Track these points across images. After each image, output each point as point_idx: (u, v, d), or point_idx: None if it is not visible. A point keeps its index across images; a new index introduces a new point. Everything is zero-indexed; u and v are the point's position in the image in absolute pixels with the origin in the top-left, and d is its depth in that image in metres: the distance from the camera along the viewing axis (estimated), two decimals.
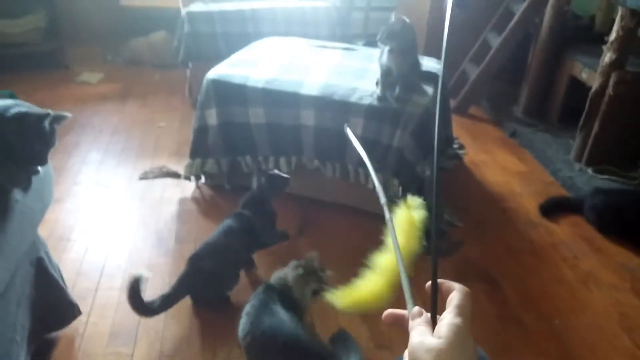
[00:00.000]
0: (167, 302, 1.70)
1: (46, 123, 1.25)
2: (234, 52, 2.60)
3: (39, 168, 1.35)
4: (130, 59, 4.21)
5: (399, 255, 0.69)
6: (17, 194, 1.27)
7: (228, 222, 1.88)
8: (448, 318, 0.61)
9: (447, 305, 0.63)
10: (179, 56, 3.33)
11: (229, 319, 1.79)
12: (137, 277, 1.58)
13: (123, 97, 3.62)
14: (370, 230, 2.21)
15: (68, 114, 1.33)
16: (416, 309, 0.64)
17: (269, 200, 2.00)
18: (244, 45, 2.73)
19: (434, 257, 0.67)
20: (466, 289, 0.64)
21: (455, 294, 0.63)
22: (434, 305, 0.64)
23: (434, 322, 0.62)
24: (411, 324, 0.63)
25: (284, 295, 1.58)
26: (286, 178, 2.04)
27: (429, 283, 0.65)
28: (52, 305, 1.56)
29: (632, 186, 2.59)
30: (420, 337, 0.60)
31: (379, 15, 4.52)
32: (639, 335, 1.81)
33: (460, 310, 0.62)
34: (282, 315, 1.49)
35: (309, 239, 2.23)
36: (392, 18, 2.17)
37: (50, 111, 1.26)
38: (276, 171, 2.06)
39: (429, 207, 0.78)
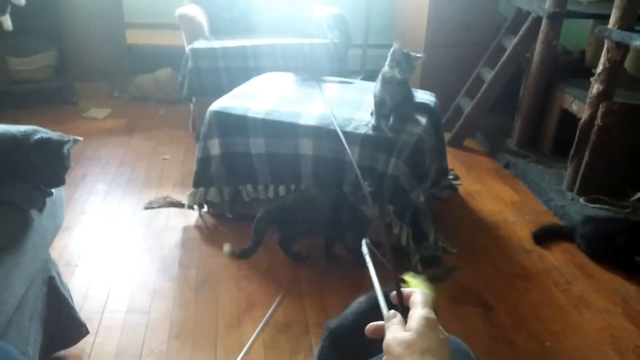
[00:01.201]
0: (257, 227, 2.15)
1: (66, 148, 1.34)
2: (235, 87, 2.71)
3: (53, 190, 1.44)
4: (137, 95, 4.33)
5: (374, 275, 0.78)
6: (32, 213, 1.36)
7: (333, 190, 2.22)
8: (416, 312, 0.70)
9: (411, 306, 0.72)
10: (183, 91, 3.44)
11: (230, 338, 1.86)
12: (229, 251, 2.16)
13: (129, 131, 3.73)
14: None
15: (80, 138, 1.43)
16: (390, 312, 0.72)
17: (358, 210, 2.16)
18: (245, 80, 2.84)
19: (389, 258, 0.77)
20: (423, 290, 0.74)
21: (416, 295, 0.73)
22: (401, 303, 0.73)
23: (405, 319, 0.71)
24: (386, 325, 0.71)
25: None
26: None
27: (392, 293, 0.74)
28: (62, 322, 1.62)
29: (622, 215, 2.66)
30: (394, 334, 0.68)
31: (376, 53, 4.66)
32: (630, 357, 1.86)
33: (424, 304, 0.71)
34: None
35: (313, 263, 2.31)
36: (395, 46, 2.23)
37: (70, 138, 1.36)
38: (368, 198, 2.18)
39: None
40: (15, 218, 1.30)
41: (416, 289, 0.74)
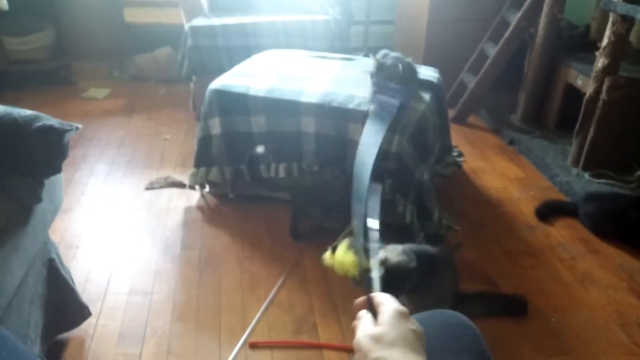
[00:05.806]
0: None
1: (67, 137, 1.32)
2: (236, 65, 2.66)
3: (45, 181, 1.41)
4: (136, 75, 4.29)
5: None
6: None
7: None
8: (386, 307, 0.71)
9: (380, 305, 0.73)
10: (182, 70, 3.40)
11: (233, 319, 1.85)
12: None
13: (129, 112, 3.69)
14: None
15: (80, 125, 1.40)
16: (362, 311, 0.74)
17: None
18: (245, 58, 2.79)
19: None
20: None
21: (383, 295, 0.75)
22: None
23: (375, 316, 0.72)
24: (356, 323, 0.73)
25: None
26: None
27: (358, 300, 0.77)
28: (63, 305, 1.61)
29: (628, 190, 2.64)
30: (363, 330, 0.70)
31: (378, 29, 4.61)
32: (636, 332, 1.85)
33: (393, 301, 0.73)
34: None
35: (316, 243, 2.29)
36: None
37: (73, 127, 1.33)
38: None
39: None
40: (13, 200, 1.28)
41: (381, 293, 0.76)
